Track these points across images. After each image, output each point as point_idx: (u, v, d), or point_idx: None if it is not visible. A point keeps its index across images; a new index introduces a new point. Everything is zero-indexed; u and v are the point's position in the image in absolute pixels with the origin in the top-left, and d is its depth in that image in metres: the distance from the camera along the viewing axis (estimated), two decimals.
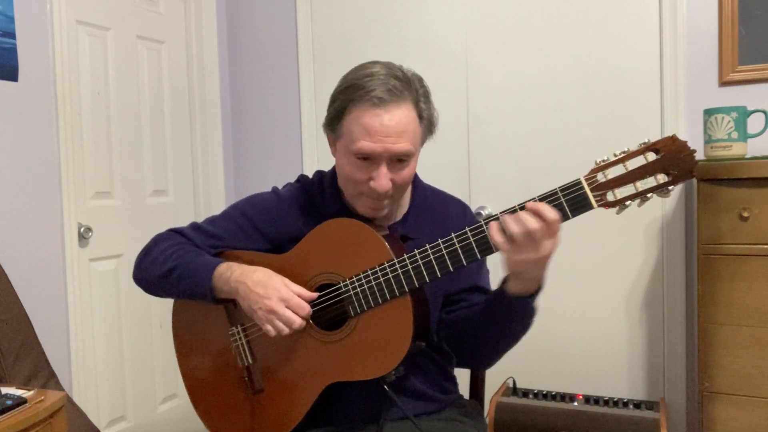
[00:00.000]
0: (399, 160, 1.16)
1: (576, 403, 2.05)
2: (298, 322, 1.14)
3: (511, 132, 2.43)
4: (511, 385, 2.19)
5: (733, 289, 1.75)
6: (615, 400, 2.04)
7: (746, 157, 1.85)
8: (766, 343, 1.73)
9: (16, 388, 1.56)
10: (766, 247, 1.72)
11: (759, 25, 2.07)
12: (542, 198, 1.03)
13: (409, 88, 1.16)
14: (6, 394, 1.46)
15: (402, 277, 1.12)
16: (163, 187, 2.66)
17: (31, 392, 1.51)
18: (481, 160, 2.48)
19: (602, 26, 2.29)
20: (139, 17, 2.55)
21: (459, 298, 1.30)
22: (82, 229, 2.25)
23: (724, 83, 2.13)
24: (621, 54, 2.26)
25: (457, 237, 1.09)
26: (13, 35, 2.02)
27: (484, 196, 2.47)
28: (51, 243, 2.15)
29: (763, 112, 1.90)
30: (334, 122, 1.20)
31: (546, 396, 2.10)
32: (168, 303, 2.74)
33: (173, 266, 1.26)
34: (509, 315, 1.15)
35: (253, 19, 2.88)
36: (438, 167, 2.53)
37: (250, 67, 2.90)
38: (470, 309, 1.26)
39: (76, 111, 2.25)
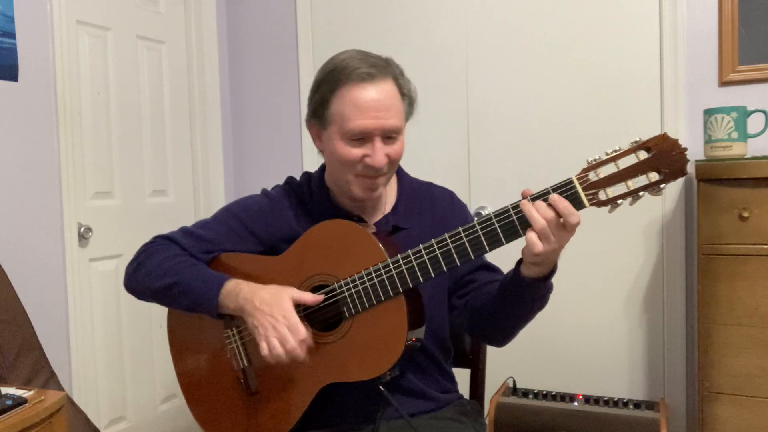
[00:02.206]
0: (389, 137, 1.19)
1: (576, 403, 2.05)
2: (291, 342, 1.12)
3: (511, 131, 2.43)
4: (511, 385, 2.19)
5: (733, 289, 1.75)
6: (615, 400, 2.04)
7: (746, 157, 1.86)
8: (766, 343, 1.73)
9: (16, 388, 1.56)
10: (766, 247, 1.72)
11: (759, 25, 2.07)
12: (534, 197, 1.04)
13: (387, 65, 1.20)
14: (6, 394, 1.46)
15: (396, 278, 1.12)
16: (163, 187, 2.66)
17: (31, 392, 1.50)
18: (481, 159, 2.48)
19: (602, 26, 2.29)
20: (139, 17, 2.55)
21: (468, 279, 1.30)
22: (82, 229, 2.25)
23: (724, 83, 2.13)
24: (621, 54, 2.26)
25: (450, 237, 1.10)
26: (13, 35, 2.02)
27: (484, 196, 2.47)
28: (51, 243, 2.14)
29: (763, 112, 1.90)
30: (319, 111, 1.22)
31: (546, 396, 2.10)
32: None
33: (174, 282, 1.24)
34: (530, 297, 1.15)
35: (253, 19, 2.88)
36: (438, 167, 2.53)
37: (250, 67, 2.90)
38: (482, 290, 1.26)
39: (76, 111, 2.25)
